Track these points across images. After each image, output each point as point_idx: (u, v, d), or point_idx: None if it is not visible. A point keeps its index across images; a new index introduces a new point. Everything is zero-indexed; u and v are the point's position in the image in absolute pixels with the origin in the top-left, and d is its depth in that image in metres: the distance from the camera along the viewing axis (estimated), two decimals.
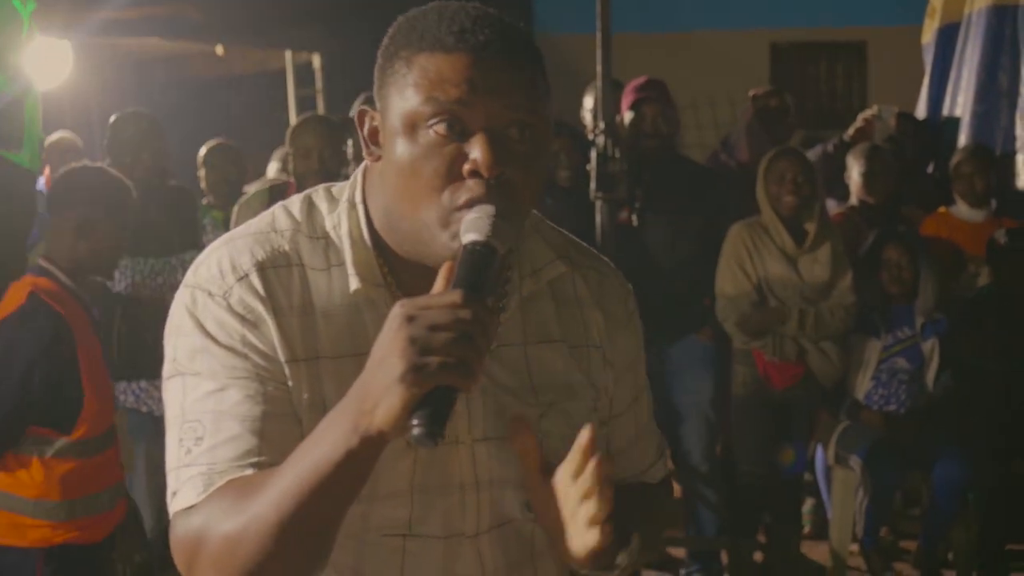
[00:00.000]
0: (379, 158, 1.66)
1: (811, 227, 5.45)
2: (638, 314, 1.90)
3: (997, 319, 5.61)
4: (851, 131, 6.78)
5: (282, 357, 1.62)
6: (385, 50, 1.65)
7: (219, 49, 10.82)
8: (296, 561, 1.51)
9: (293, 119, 10.58)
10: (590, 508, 1.51)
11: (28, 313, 3.58)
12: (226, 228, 5.36)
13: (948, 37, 7.18)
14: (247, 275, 1.63)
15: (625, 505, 1.61)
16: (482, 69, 1.57)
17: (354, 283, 1.66)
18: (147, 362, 4.78)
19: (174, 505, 1.58)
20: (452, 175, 1.57)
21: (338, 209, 1.71)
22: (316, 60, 11.09)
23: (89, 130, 8.20)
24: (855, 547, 5.77)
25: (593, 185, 5.34)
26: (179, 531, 1.56)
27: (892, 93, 9.97)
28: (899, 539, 6.13)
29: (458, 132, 1.57)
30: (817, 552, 5.97)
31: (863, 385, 5.64)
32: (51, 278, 3.70)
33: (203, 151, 6.88)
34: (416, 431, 1.39)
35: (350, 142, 5.75)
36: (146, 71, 12.18)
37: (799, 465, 5.85)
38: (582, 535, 1.54)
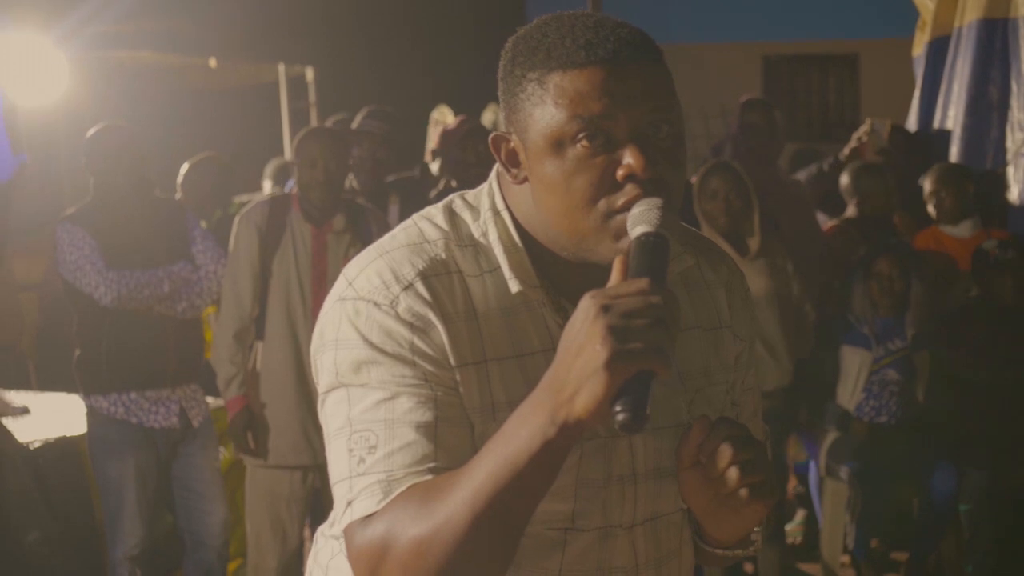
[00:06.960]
0: (524, 180, 1.68)
1: (753, 242, 5.37)
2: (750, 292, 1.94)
3: (985, 330, 5.60)
4: (846, 150, 6.83)
5: (453, 362, 1.63)
6: (509, 73, 1.67)
7: (212, 62, 10.84)
8: (487, 561, 1.52)
9: (286, 132, 10.61)
10: (731, 475, 1.57)
11: None
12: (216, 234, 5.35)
13: (939, 50, 7.20)
14: (412, 284, 1.65)
15: None
16: (617, 79, 1.60)
17: (514, 286, 1.68)
18: (135, 374, 4.78)
19: (350, 514, 1.58)
20: (606, 184, 1.60)
21: (482, 217, 1.73)
22: (309, 73, 11.11)
23: (81, 142, 8.30)
24: (846, 558, 5.77)
25: None
26: (360, 540, 1.56)
27: (884, 105, 10.01)
28: (890, 550, 6.14)
29: (604, 143, 1.60)
30: (808, 563, 5.98)
31: (854, 397, 5.64)
32: None
33: (181, 174, 6.93)
34: (621, 417, 1.39)
35: (354, 151, 5.77)
36: (139, 84, 12.19)
37: (804, 465, 5.86)
38: (740, 504, 1.60)
